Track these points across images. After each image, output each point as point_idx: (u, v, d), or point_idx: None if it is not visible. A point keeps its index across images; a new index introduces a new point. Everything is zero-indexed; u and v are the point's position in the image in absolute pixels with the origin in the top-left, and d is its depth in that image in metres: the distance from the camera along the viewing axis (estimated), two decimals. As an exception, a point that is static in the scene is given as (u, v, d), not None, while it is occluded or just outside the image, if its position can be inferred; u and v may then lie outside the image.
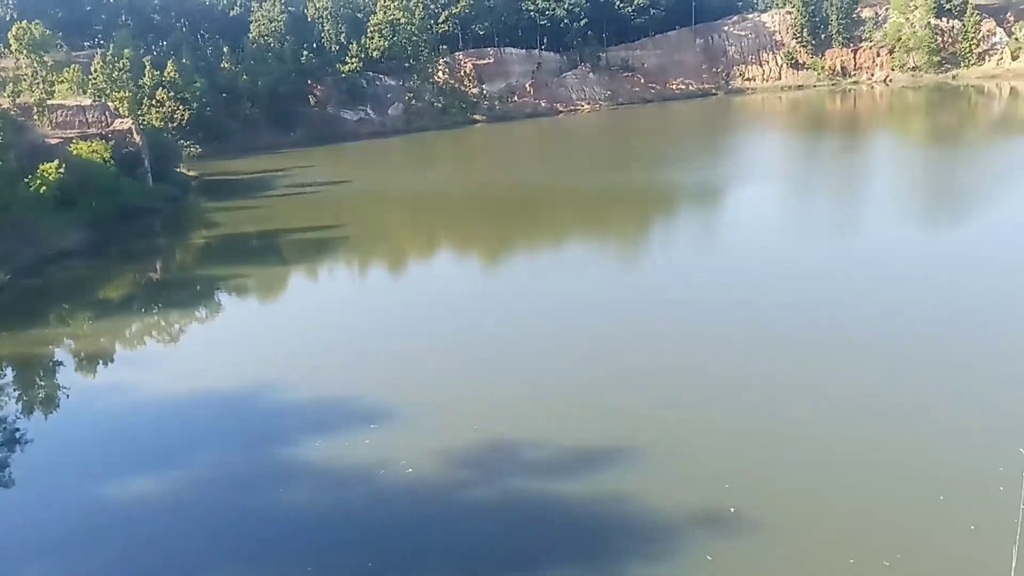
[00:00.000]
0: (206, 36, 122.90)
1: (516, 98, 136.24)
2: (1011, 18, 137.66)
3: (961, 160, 68.01)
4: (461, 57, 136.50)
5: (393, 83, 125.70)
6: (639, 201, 58.75)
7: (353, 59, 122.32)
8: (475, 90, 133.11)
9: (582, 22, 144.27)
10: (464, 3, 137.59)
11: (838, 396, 23.48)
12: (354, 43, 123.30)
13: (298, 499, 20.60)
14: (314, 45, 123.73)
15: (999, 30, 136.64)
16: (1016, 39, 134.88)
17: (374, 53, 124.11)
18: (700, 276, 38.09)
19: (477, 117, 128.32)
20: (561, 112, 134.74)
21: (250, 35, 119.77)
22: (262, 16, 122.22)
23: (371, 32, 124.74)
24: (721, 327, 30.08)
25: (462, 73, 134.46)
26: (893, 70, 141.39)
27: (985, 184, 56.49)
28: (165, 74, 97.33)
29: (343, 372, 28.55)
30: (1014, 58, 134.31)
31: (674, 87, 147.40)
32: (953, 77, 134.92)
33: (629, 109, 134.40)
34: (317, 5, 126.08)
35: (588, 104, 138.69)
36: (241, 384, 28.16)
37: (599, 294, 35.96)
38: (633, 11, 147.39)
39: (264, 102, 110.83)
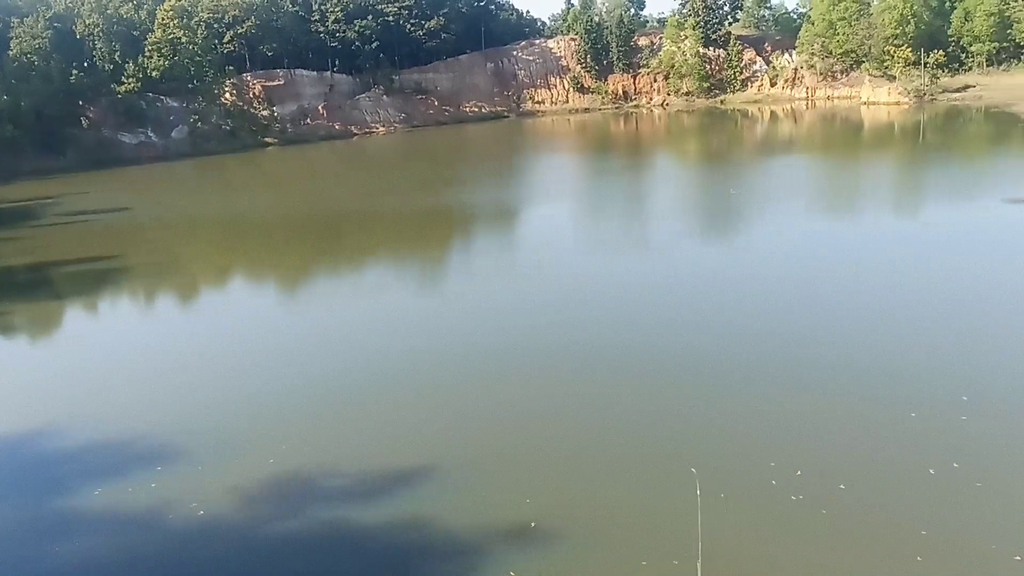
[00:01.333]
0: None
1: (309, 120, 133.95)
2: (769, 48, 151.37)
3: (732, 177, 73.67)
4: (249, 79, 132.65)
5: (176, 105, 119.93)
6: (440, 223, 59.18)
7: (130, 79, 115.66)
8: (265, 112, 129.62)
9: (374, 45, 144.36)
10: (250, 24, 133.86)
11: (630, 407, 24.51)
12: (131, 62, 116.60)
13: (78, 553, 18.90)
14: (85, 64, 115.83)
15: (759, 59, 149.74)
16: (773, 67, 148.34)
17: (153, 73, 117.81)
18: (500, 295, 38.75)
19: (269, 140, 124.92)
20: (356, 135, 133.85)
21: (10, 52, 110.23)
22: (24, 32, 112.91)
23: (149, 51, 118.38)
24: (518, 345, 30.69)
25: (251, 95, 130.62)
26: (669, 95, 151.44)
27: (754, 200, 61.43)
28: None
29: (125, 412, 26.59)
30: (772, 84, 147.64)
31: (468, 110, 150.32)
32: (721, 102, 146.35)
33: (424, 131, 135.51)
34: (87, 21, 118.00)
35: (383, 127, 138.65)
36: (7, 431, 25.59)
37: (397, 317, 35.73)
38: (424, 35, 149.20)
39: (29, 124, 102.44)
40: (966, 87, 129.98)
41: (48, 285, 47.74)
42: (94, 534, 19.66)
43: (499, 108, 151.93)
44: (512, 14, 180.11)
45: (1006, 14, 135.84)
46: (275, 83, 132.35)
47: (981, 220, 48.15)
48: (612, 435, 22.71)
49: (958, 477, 19.30)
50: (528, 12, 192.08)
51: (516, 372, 27.84)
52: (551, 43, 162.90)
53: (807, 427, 22.39)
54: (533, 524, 18.36)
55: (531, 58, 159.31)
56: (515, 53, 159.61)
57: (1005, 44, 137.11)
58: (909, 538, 17.10)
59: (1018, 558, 16.17)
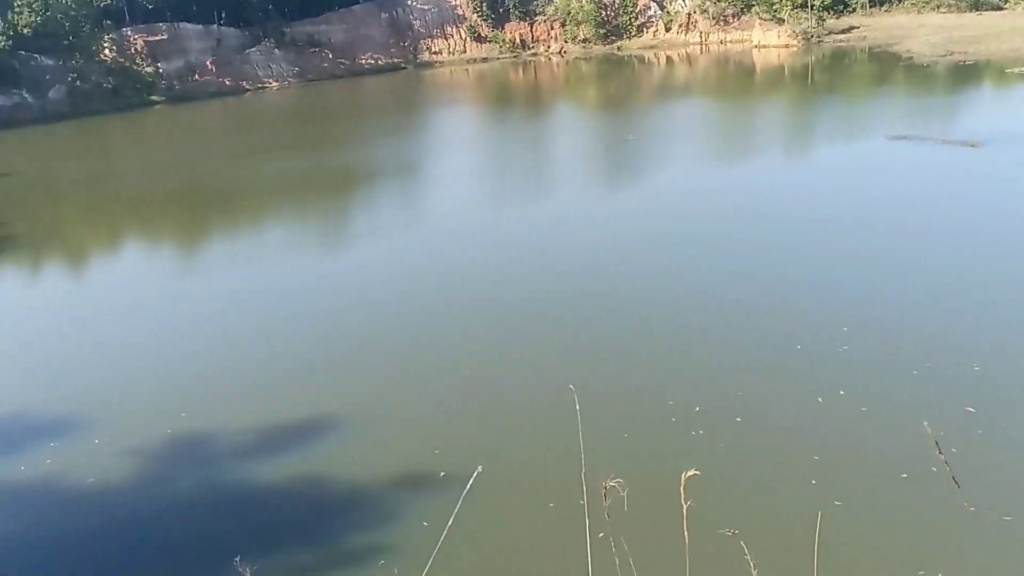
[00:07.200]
0: None
1: (197, 76, 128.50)
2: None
3: (631, 123, 74.38)
4: (130, 33, 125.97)
5: (52, 63, 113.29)
6: (341, 182, 57.99)
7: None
8: (150, 69, 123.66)
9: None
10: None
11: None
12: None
13: (-34, 535, 18.13)
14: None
15: (653, 4, 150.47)
16: (668, 13, 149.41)
17: (24, 30, 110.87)
18: (409, 256, 38.46)
19: (155, 98, 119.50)
20: (248, 90, 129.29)
21: None
22: None
23: (19, 6, 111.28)
24: (421, 298, 30.60)
25: (133, 51, 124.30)
26: (567, 42, 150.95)
27: (655, 144, 62.28)
28: None
29: (13, 387, 25.45)
30: (667, 30, 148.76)
31: (363, 62, 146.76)
32: (618, 48, 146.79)
33: (320, 85, 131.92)
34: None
35: (276, 81, 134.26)
36: None
37: (292, 284, 34.95)
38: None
39: None
40: (851, 28, 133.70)
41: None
42: (-15, 514, 18.87)
43: (396, 60, 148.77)
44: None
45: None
46: (158, 37, 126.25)
47: (867, 158, 49.99)
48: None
49: (845, 404, 20.25)
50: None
51: (419, 329, 27.81)
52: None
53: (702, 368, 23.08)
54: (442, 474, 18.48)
55: (426, 7, 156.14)
56: (410, 2, 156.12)
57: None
58: (803, 463, 17.89)
59: (904, 475, 17.10)
